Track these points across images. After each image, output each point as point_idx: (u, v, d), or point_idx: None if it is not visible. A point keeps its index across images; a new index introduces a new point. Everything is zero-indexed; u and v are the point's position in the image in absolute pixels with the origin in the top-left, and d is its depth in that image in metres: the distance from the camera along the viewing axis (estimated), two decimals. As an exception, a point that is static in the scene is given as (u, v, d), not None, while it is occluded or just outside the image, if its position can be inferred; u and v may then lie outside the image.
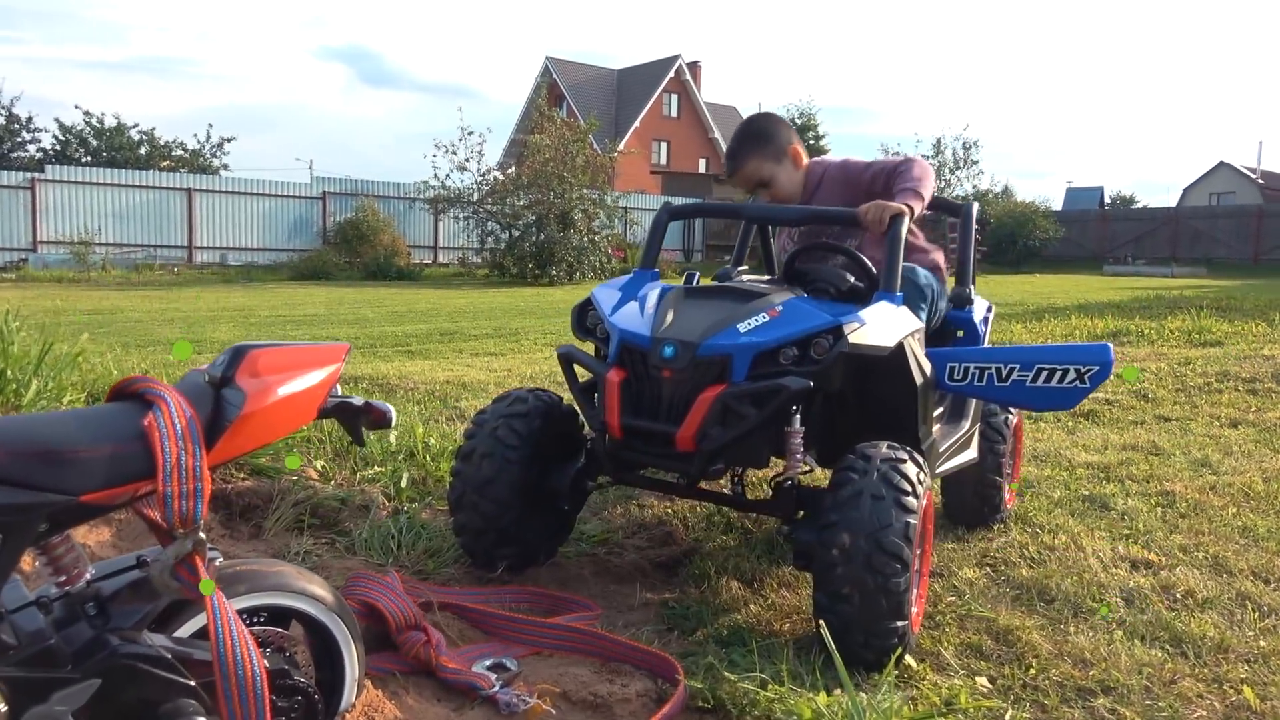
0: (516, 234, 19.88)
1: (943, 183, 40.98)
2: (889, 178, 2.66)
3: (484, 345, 8.42)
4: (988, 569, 2.68)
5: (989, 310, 3.12)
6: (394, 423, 1.57)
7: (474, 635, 2.09)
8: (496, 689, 1.80)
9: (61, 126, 30.04)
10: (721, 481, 2.50)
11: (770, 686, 1.78)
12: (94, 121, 29.97)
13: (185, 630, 1.45)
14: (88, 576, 1.42)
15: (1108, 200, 40.60)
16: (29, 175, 19.83)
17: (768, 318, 2.20)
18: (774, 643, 2.06)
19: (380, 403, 1.58)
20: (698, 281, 2.74)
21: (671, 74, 42.54)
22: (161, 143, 31.31)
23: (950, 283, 3.01)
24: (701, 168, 41.51)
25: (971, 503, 2.95)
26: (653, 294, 2.43)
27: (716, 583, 2.52)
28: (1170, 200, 46.56)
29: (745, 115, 3.80)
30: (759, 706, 1.75)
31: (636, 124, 40.79)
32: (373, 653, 1.85)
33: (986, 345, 2.90)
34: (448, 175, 20.76)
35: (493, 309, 12.52)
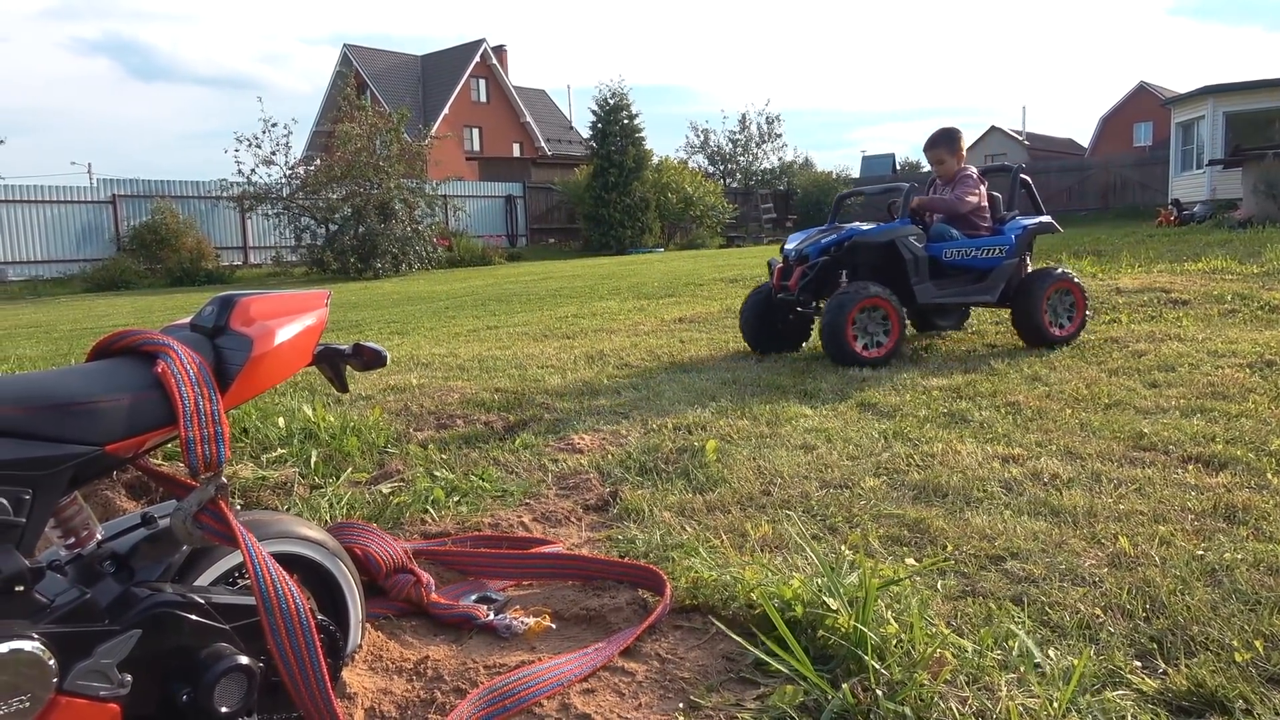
0: (334, 228, 19.15)
1: (750, 157, 42.62)
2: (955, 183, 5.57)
3: (328, 338, 8.14)
4: (884, 477, 2.96)
5: (1023, 226, 5.50)
6: (388, 361, 1.60)
7: (451, 578, 2.14)
8: (492, 617, 1.87)
9: None
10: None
11: (746, 577, 1.95)
12: None
13: (204, 580, 1.45)
14: (99, 537, 1.39)
15: (898, 166, 43.45)
16: None
17: (832, 235, 5.29)
18: (723, 550, 2.23)
19: (371, 343, 1.62)
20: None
21: (477, 58, 41.86)
22: (-89, 151, 27.87)
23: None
24: (516, 152, 41.21)
25: (1032, 329, 5.28)
26: (804, 235, 5.57)
27: (650, 515, 2.67)
28: (951, 164, 50.18)
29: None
30: (739, 599, 1.91)
31: (446, 111, 39.93)
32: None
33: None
34: (253, 170, 19.69)
35: (324, 304, 12.05)
